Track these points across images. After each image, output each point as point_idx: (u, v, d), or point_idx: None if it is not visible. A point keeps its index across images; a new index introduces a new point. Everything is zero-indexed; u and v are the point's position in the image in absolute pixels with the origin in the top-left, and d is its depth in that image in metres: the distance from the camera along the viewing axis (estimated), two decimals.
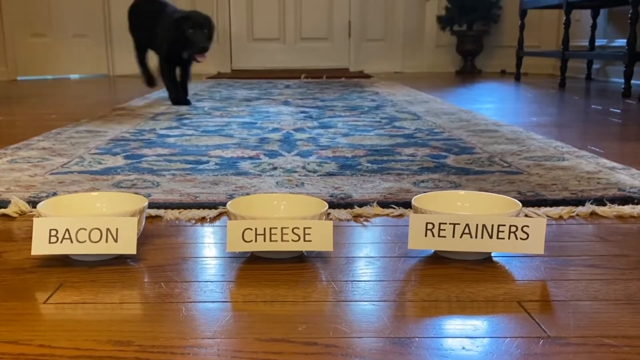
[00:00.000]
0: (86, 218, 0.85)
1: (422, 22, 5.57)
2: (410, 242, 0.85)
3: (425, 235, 0.84)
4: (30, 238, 0.85)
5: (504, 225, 0.82)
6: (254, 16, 5.46)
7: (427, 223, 0.84)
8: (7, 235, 1.01)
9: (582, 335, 0.65)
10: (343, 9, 5.48)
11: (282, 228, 0.84)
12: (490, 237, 0.83)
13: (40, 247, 0.84)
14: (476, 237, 0.83)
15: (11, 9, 4.62)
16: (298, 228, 0.84)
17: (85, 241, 0.83)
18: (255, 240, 0.84)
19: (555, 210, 1.09)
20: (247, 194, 1.20)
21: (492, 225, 0.82)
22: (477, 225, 0.82)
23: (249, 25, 5.49)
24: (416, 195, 0.97)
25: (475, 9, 5.20)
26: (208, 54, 2.64)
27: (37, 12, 4.85)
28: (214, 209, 1.12)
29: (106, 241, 0.84)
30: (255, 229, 0.84)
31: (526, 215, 1.06)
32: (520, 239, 0.83)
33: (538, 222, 0.83)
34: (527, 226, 0.83)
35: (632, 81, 3.26)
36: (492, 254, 0.88)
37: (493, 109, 2.80)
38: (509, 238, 0.83)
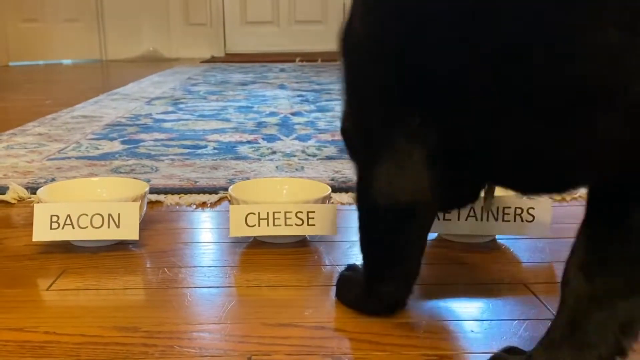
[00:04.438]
0: (88, 204, 0.84)
1: None
2: None
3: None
4: (30, 224, 0.85)
5: (510, 207, 0.82)
6: None
7: None
8: (6, 221, 1.00)
9: None
10: None
11: (285, 212, 0.84)
12: (496, 219, 0.82)
13: (42, 233, 0.83)
14: (481, 220, 0.82)
15: None
16: (302, 212, 0.84)
17: (87, 227, 0.83)
18: (259, 225, 0.84)
19: None
20: (247, 178, 1.19)
21: (498, 208, 0.82)
22: (482, 208, 0.82)
23: (242, 8, 5.44)
24: None
25: None
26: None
27: None
28: (215, 193, 1.11)
29: (108, 227, 0.83)
30: (259, 213, 0.84)
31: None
32: (526, 221, 0.82)
33: (544, 205, 0.83)
34: (533, 208, 0.82)
35: None
36: (497, 236, 0.88)
37: None
38: (514, 220, 0.82)
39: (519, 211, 0.82)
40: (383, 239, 0.62)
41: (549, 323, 0.63)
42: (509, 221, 0.82)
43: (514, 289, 0.72)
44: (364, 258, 0.65)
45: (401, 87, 0.53)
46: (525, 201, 0.83)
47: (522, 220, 0.82)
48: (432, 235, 0.89)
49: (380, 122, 0.56)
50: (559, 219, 0.97)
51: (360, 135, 0.59)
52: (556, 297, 0.69)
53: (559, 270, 0.77)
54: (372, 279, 0.65)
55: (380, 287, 0.65)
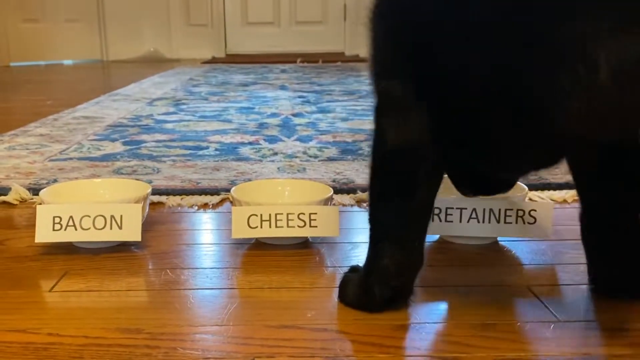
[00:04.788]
0: (90, 205, 0.84)
1: None
2: None
3: (432, 221, 0.83)
4: (32, 225, 0.85)
5: (512, 209, 0.82)
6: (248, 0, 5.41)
7: (434, 208, 0.83)
8: (9, 222, 1.00)
9: (592, 319, 0.65)
10: None
11: (287, 214, 0.84)
12: (498, 221, 0.82)
13: (44, 234, 0.83)
14: (483, 222, 0.82)
15: None
16: (304, 214, 0.84)
17: (89, 228, 0.83)
18: (261, 227, 0.84)
19: (559, 194, 1.09)
20: (249, 179, 1.19)
21: (500, 210, 0.82)
22: (484, 209, 0.82)
23: (243, 9, 5.44)
24: None
25: None
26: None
27: None
28: (216, 195, 1.11)
29: (110, 228, 0.83)
30: (261, 215, 0.84)
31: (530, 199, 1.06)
32: (528, 223, 0.82)
33: (546, 206, 0.83)
34: (535, 210, 0.82)
35: None
36: (498, 238, 0.88)
37: None
38: (516, 222, 0.82)
39: (520, 213, 0.82)
40: (390, 190, 0.65)
41: (552, 325, 0.63)
42: (510, 223, 0.82)
43: (516, 291, 0.72)
44: (371, 223, 0.67)
45: (405, 60, 0.62)
46: (527, 203, 0.83)
47: (524, 223, 0.82)
48: (433, 237, 0.89)
49: (387, 81, 0.64)
50: (559, 221, 0.97)
51: (375, 91, 0.66)
52: (558, 300, 0.70)
53: (560, 272, 0.78)
54: (376, 248, 0.66)
55: (382, 260, 0.65)
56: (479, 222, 0.82)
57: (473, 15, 0.55)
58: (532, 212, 0.82)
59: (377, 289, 0.66)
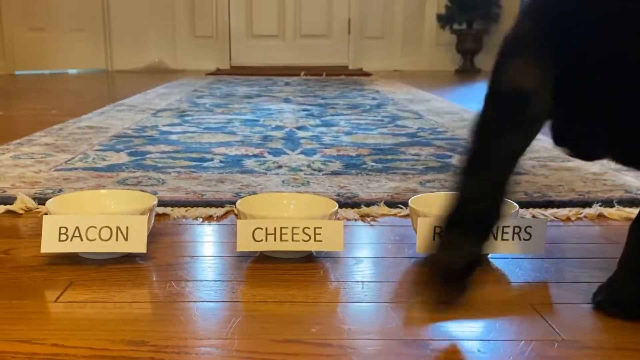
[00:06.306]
0: (96, 216, 0.85)
1: (421, 20, 5.57)
2: (419, 246, 0.85)
3: (434, 239, 0.84)
4: (37, 235, 0.85)
5: (508, 226, 0.83)
6: (253, 13, 5.45)
7: (434, 226, 0.83)
8: (14, 232, 1.00)
9: (596, 338, 0.65)
10: (342, 5, 5.47)
11: (292, 228, 0.84)
12: (495, 238, 0.83)
13: (50, 244, 0.83)
14: None
15: (9, 3, 4.60)
16: (309, 228, 0.84)
17: (95, 239, 0.83)
18: (266, 240, 0.84)
19: (562, 212, 1.09)
20: (254, 192, 1.19)
21: (498, 227, 0.82)
22: None
23: (248, 22, 5.47)
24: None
25: (475, 6, 5.18)
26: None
27: (35, 6, 4.82)
28: (221, 207, 1.12)
29: (116, 239, 0.83)
30: (266, 228, 0.84)
31: (533, 217, 1.06)
32: (524, 239, 0.83)
33: (540, 223, 0.84)
34: (530, 227, 0.83)
35: None
36: (497, 255, 0.88)
37: None
38: (512, 239, 0.83)
39: (517, 230, 0.83)
40: (491, 126, 0.68)
41: (556, 344, 0.64)
42: (507, 240, 0.83)
43: (520, 309, 0.72)
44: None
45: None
46: (522, 219, 0.84)
47: (520, 239, 0.83)
48: None
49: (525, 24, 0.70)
50: (564, 239, 0.97)
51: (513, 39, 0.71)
52: (563, 318, 0.70)
53: (564, 290, 0.78)
54: (461, 176, 0.66)
55: (464, 189, 0.65)
56: None
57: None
58: (527, 229, 0.83)
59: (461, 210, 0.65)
